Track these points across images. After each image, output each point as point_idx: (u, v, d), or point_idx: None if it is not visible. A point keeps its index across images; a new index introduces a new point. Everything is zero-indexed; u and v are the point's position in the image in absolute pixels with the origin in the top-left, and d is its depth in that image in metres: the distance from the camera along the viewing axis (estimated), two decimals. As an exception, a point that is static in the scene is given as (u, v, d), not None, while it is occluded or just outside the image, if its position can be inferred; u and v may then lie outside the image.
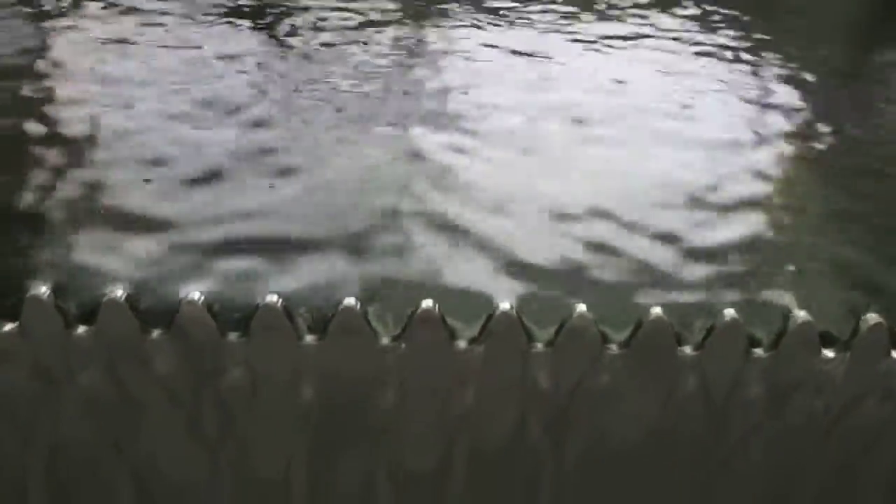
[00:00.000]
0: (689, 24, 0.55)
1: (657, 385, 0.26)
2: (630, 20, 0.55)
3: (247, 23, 0.49)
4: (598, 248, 0.30)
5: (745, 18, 0.56)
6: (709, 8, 0.57)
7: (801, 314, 0.26)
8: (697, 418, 0.27)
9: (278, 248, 0.28)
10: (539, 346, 0.26)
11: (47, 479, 0.27)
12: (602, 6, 0.57)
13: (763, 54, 0.51)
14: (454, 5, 0.54)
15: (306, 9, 0.51)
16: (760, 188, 0.36)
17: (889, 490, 0.28)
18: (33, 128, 0.36)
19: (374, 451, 0.27)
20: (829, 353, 0.26)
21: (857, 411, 0.27)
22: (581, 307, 0.25)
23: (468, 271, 0.28)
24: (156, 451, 0.27)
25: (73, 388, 0.26)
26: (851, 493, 0.28)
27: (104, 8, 0.49)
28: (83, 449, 0.27)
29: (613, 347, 0.26)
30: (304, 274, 0.27)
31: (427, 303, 0.25)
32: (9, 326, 0.25)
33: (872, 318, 0.26)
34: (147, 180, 0.32)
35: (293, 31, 0.48)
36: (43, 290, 0.25)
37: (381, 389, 0.26)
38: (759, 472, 0.27)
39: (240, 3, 0.52)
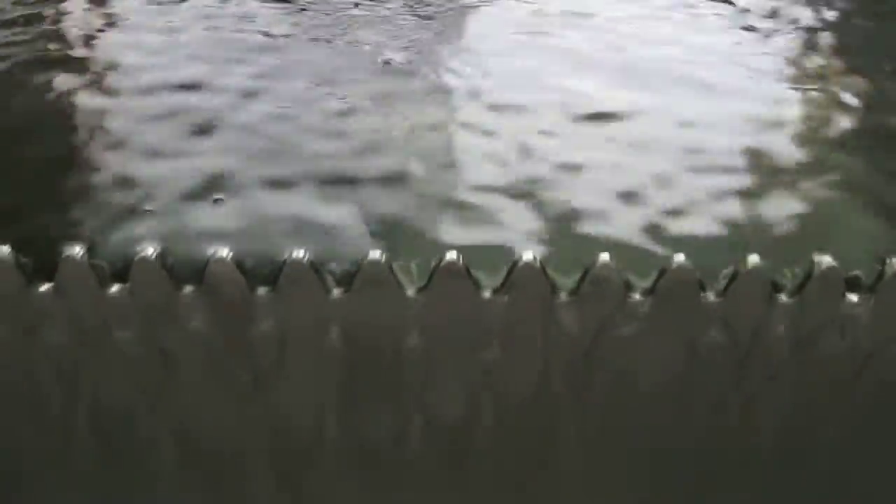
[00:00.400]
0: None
1: (680, 331, 0.26)
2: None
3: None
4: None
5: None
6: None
7: (825, 259, 0.26)
8: (720, 363, 0.27)
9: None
10: (563, 295, 0.26)
11: (90, 433, 0.28)
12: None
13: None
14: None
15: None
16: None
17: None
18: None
19: (402, 398, 0.28)
20: (853, 298, 0.26)
21: (884, 355, 0.27)
22: (604, 256, 0.26)
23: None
24: (190, 402, 0.28)
25: (110, 345, 0.27)
26: (874, 437, 0.28)
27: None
28: (122, 402, 0.28)
29: (637, 295, 0.26)
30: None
31: (451, 255, 0.26)
32: (45, 286, 0.26)
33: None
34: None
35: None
36: (77, 250, 0.26)
37: (408, 339, 0.27)
38: (781, 417, 0.28)
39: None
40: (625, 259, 0.26)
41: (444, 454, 0.29)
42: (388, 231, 0.28)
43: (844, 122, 0.36)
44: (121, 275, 0.26)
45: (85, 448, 0.28)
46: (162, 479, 0.30)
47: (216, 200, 0.29)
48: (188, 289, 0.26)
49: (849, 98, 0.38)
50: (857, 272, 0.26)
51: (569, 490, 0.29)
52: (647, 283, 0.26)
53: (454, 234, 0.28)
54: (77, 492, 0.30)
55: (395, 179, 0.31)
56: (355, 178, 0.31)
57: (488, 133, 0.34)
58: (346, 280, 0.26)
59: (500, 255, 0.26)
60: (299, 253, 0.26)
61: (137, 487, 0.30)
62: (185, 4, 0.45)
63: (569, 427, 0.28)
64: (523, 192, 0.30)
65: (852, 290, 0.26)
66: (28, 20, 0.43)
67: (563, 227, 0.28)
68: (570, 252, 0.27)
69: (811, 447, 0.28)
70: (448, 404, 0.28)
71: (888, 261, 0.26)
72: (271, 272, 0.26)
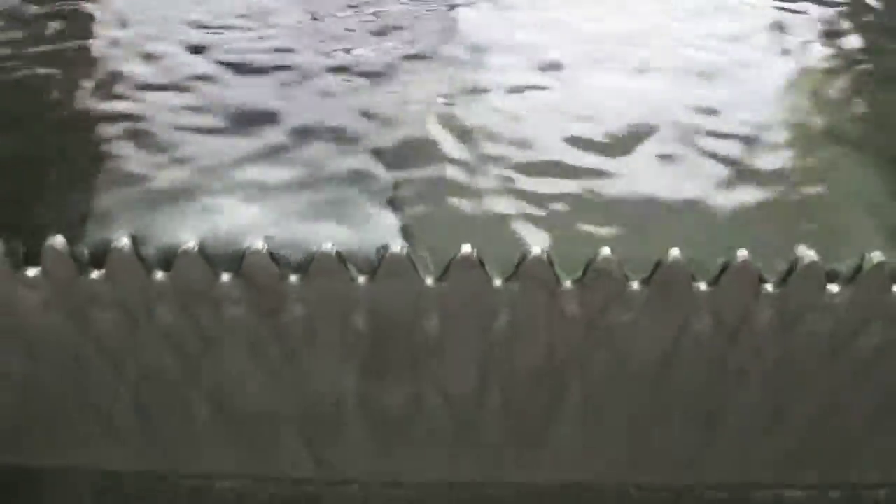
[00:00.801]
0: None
1: (673, 317, 0.29)
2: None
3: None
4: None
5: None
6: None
7: (809, 254, 0.28)
8: (709, 344, 0.29)
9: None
10: (567, 284, 0.28)
11: (135, 404, 0.31)
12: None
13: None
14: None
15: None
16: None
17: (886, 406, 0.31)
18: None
19: (420, 374, 0.31)
20: (833, 289, 0.29)
21: (859, 338, 0.29)
22: (606, 250, 0.28)
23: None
24: (226, 379, 0.31)
25: (154, 326, 0.29)
26: (846, 406, 0.31)
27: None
28: (165, 377, 0.30)
29: (635, 285, 0.28)
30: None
31: (466, 248, 0.28)
32: (96, 273, 0.29)
33: (876, 256, 0.28)
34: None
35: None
36: (125, 241, 0.28)
37: (425, 322, 0.29)
38: (765, 390, 0.30)
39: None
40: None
41: (455, 421, 0.32)
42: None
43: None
44: (165, 264, 0.28)
45: (131, 412, 0.31)
46: (200, 441, 0.33)
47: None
48: (226, 277, 0.28)
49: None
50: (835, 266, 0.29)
51: (569, 452, 0.32)
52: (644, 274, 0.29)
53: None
54: (123, 449, 0.33)
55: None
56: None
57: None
58: (369, 269, 0.29)
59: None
60: (327, 245, 0.28)
61: (179, 446, 0.33)
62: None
63: (572, 397, 0.31)
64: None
65: (832, 281, 0.29)
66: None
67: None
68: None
69: (790, 416, 0.31)
70: (461, 378, 0.31)
71: (866, 255, 0.28)
72: (302, 262, 0.28)
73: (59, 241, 0.28)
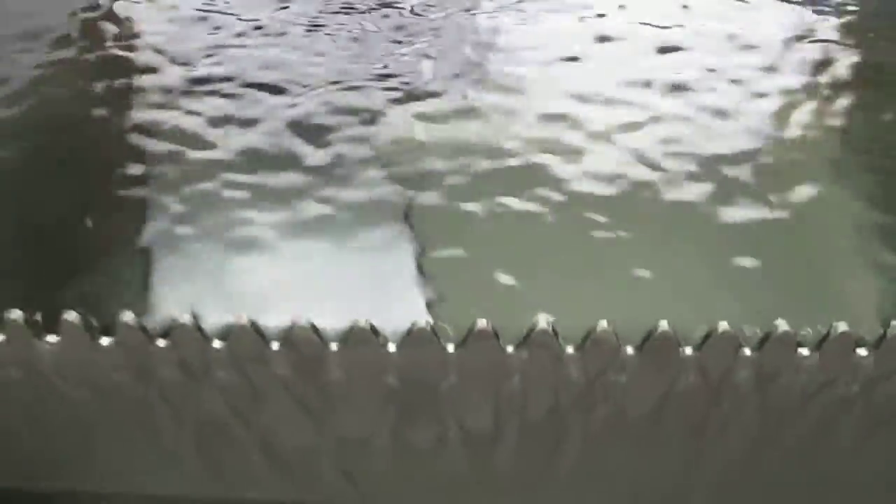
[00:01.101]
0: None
1: (662, 376, 0.33)
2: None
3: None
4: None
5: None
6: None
7: (782, 324, 0.32)
8: (695, 398, 0.34)
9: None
10: (570, 350, 0.33)
11: (196, 448, 0.36)
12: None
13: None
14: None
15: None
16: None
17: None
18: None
19: (443, 420, 0.35)
20: (804, 352, 0.33)
21: (824, 392, 0.34)
22: (603, 322, 0.32)
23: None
24: (275, 425, 0.35)
25: (211, 383, 0.34)
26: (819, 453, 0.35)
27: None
28: (221, 425, 0.35)
29: (629, 349, 0.33)
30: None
31: (482, 322, 0.32)
32: (161, 342, 0.33)
33: (841, 326, 0.32)
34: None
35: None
36: (186, 317, 0.33)
37: (447, 378, 0.34)
38: (743, 434, 0.35)
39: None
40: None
41: (471, 458, 0.37)
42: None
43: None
44: (222, 336, 0.33)
45: (192, 459, 0.36)
46: (250, 471, 0.38)
47: None
48: (275, 345, 0.33)
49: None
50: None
51: (570, 490, 0.37)
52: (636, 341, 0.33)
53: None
54: (182, 477, 0.38)
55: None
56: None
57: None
58: (398, 339, 0.33)
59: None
60: (361, 321, 0.32)
61: (233, 476, 0.38)
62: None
63: (574, 439, 0.36)
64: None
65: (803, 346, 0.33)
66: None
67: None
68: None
69: (765, 459, 0.36)
70: (477, 423, 0.35)
71: (833, 325, 0.32)
72: (341, 333, 0.33)
73: (129, 316, 0.32)
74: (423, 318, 0.33)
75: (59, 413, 0.36)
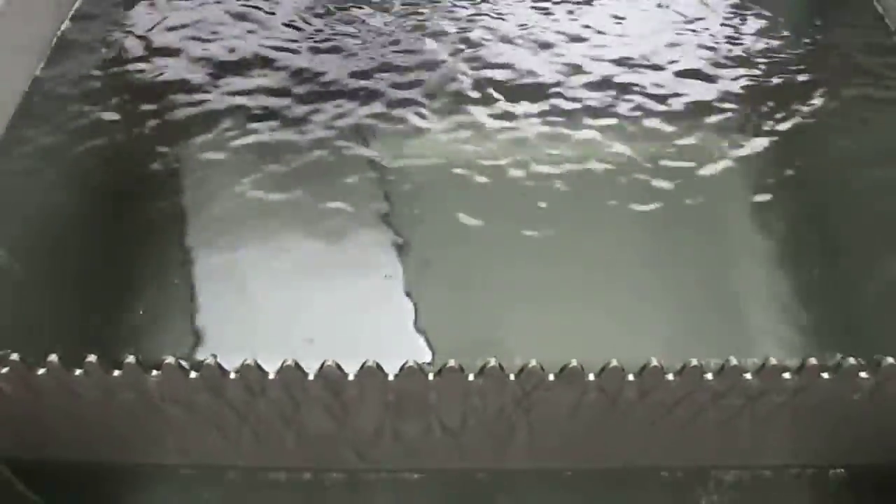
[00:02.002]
0: None
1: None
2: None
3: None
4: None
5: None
6: None
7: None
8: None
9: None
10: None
11: (253, 436, 0.52)
12: None
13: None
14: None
15: None
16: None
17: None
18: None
19: (426, 419, 0.51)
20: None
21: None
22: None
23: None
24: (307, 423, 0.51)
25: (267, 398, 0.49)
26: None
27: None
28: (271, 423, 0.51)
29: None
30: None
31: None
32: (233, 375, 0.48)
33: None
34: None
35: None
36: (249, 360, 0.47)
37: (429, 393, 0.49)
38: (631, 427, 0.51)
39: None
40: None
41: (447, 441, 0.53)
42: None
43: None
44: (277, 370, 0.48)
45: (248, 439, 0.52)
46: (285, 452, 0.54)
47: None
48: (311, 376, 0.48)
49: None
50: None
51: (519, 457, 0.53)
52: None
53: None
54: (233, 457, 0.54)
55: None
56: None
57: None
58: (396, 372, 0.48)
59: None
60: (372, 361, 0.47)
61: (279, 452, 0.54)
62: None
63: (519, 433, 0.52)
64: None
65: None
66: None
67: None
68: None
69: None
70: (450, 422, 0.51)
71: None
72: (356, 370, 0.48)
73: (211, 359, 0.47)
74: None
75: (157, 418, 0.51)
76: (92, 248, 0.61)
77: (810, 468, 0.55)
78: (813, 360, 0.47)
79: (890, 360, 0.47)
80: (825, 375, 0.48)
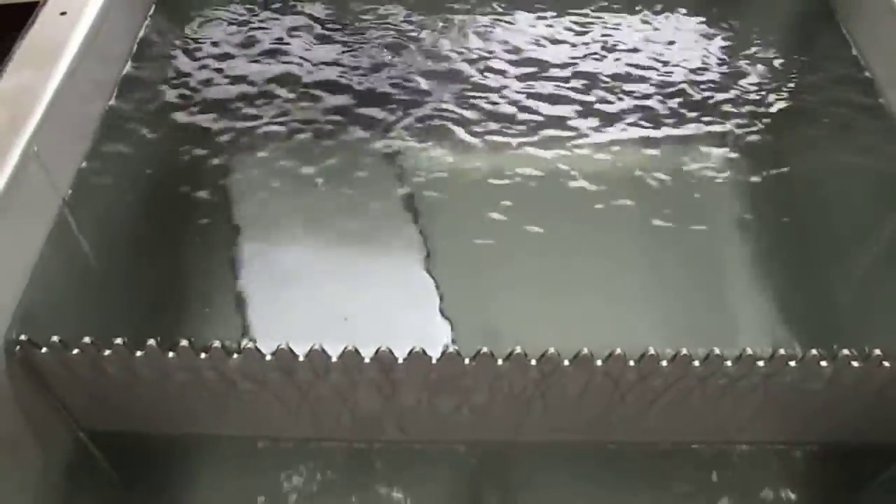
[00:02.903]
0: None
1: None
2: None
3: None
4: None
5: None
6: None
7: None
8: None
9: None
10: (533, 362, 0.58)
11: (310, 411, 0.61)
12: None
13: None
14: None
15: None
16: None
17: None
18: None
19: (460, 397, 0.61)
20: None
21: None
22: (552, 349, 0.57)
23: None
24: (362, 400, 0.61)
25: (328, 378, 0.59)
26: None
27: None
28: (329, 399, 0.60)
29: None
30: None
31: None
32: (302, 358, 0.58)
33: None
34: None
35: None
36: (317, 345, 0.57)
37: (464, 377, 0.59)
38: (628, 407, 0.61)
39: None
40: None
41: (474, 417, 0.62)
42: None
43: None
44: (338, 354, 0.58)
45: (304, 412, 0.61)
46: (339, 424, 0.63)
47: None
48: (367, 359, 0.58)
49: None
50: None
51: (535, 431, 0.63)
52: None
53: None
54: (291, 429, 0.64)
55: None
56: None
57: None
58: (438, 356, 0.58)
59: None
60: (417, 348, 0.57)
61: (328, 427, 0.63)
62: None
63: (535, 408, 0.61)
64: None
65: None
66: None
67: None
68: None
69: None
70: (479, 399, 0.61)
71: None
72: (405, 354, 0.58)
73: (285, 344, 0.57)
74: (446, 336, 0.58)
75: (228, 392, 0.60)
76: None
77: (780, 444, 0.66)
78: (782, 351, 0.57)
79: (845, 351, 0.57)
80: (792, 363, 0.57)
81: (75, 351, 0.57)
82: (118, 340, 0.56)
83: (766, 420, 0.63)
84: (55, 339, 0.56)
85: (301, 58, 0.84)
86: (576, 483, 0.64)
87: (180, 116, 0.78)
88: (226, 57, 0.84)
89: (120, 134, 0.75)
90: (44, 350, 0.57)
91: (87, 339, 0.56)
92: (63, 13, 0.72)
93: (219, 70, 0.83)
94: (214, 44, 0.86)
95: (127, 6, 0.82)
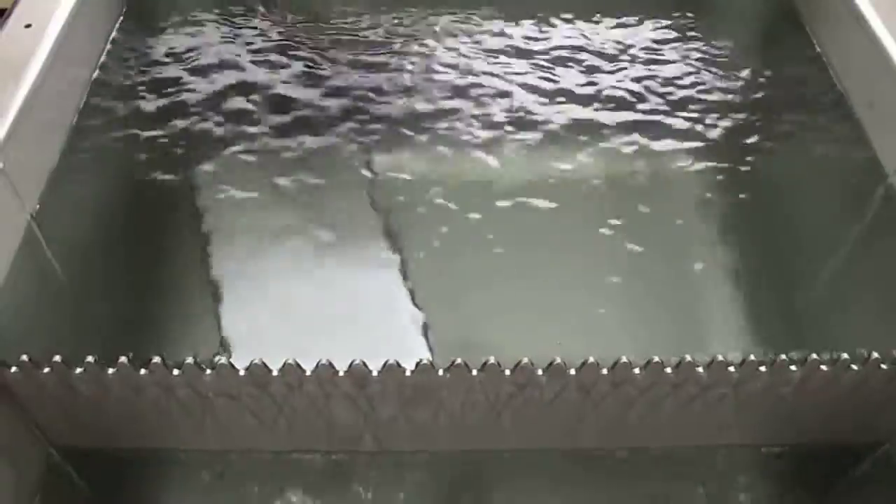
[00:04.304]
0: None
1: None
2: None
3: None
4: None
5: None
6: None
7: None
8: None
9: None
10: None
11: (286, 423, 0.61)
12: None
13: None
14: None
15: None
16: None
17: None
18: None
19: (433, 406, 0.61)
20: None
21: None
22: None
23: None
24: (336, 412, 0.61)
25: (301, 391, 0.59)
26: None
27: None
28: (304, 412, 0.60)
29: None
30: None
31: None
32: (276, 372, 0.57)
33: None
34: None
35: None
36: (308, 363, 0.57)
37: (439, 388, 0.59)
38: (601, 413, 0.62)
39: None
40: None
41: (449, 423, 0.63)
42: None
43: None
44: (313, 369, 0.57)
45: (280, 425, 0.61)
46: (314, 435, 0.63)
47: None
48: (341, 373, 0.58)
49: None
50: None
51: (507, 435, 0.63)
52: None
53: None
54: (267, 441, 0.64)
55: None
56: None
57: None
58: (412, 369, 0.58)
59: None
60: (391, 360, 0.57)
61: (296, 434, 0.63)
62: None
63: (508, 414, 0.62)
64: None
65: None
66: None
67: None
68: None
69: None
70: (454, 408, 0.61)
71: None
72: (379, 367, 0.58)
73: (259, 360, 0.57)
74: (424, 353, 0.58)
75: (203, 407, 0.60)
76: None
77: (753, 446, 0.66)
78: (752, 357, 0.58)
79: (814, 356, 0.58)
80: (762, 369, 0.58)
81: (46, 370, 0.56)
82: (89, 358, 0.56)
83: (739, 424, 0.64)
84: (24, 357, 0.56)
85: (269, 68, 0.84)
86: (552, 490, 0.65)
87: (149, 129, 0.78)
88: (195, 65, 0.83)
89: (88, 147, 0.74)
90: (13, 370, 0.56)
91: (57, 358, 0.56)
92: (28, 25, 0.71)
93: (188, 79, 0.82)
94: (184, 52, 0.85)
95: (93, 17, 0.81)
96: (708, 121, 0.81)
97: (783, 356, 0.58)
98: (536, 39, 0.87)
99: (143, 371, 0.57)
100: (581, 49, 0.86)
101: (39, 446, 0.64)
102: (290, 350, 0.57)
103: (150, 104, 0.79)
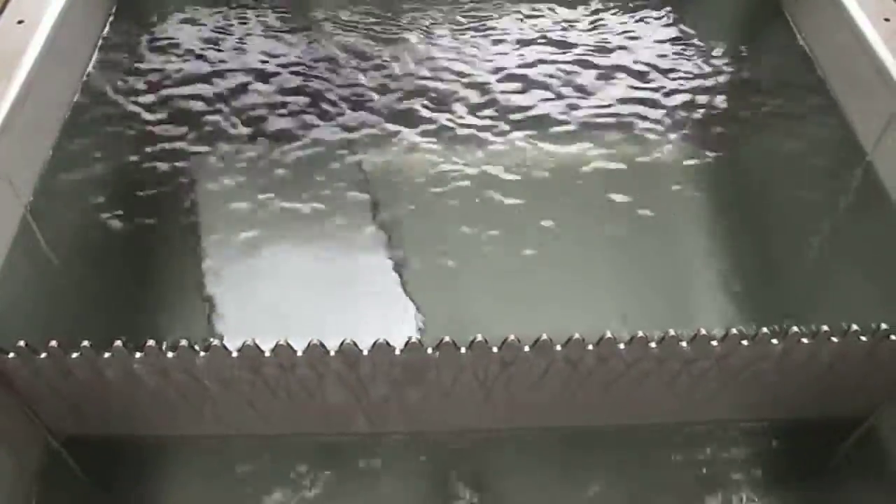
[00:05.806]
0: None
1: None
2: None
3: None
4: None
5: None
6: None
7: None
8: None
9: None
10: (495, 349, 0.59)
11: (282, 408, 0.62)
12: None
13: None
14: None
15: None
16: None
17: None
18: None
19: (425, 386, 0.62)
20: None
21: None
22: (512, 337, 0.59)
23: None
24: (329, 394, 0.62)
25: (293, 373, 0.60)
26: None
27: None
28: (299, 393, 0.61)
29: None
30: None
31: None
32: (268, 353, 0.58)
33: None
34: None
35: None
36: (299, 341, 0.58)
37: (429, 368, 0.60)
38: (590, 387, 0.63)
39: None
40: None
41: (441, 402, 0.64)
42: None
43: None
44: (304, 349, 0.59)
45: (276, 410, 0.62)
46: (308, 418, 0.64)
47: None
48: (332, 352, 0.59)
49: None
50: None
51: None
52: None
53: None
54: (263, 426, 0.65)
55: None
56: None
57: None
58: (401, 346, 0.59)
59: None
60: (380, 339, 0.58)
61: (294, 418, 0.64)
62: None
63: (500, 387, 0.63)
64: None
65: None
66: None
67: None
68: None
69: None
70: (442, 387, 0.62)
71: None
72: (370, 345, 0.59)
73: (251, 341, 0.58)
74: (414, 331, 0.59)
75: (199, 392, 0.61)
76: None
77: (738, 421, 0.68)
78: (734, 330, 0.59)
79: (795, 328, 0.59)
80: (744, 342, 0.59)
81: (43, 355, 0.57)
82: (85, 343, 0.57)
83: (725, 400, 0.65)
84: (21, 343, 0.57)
85: (262, 59, 0.85)
86: (544, 468, 0.66)
87: (142, 121, 0.79)
88: (188, 59, 0.85)
89: (81, 140, 0.75)
90: (11, 355, 0.57)
91: (53, 343, 0.57)
92: (20, 21, 0.72)
93: (181, 73, 0.83)
94: (176, 46, 0.86)
95: (86, 12, 0.82)
96: (690, 104, 0.83)
97: (765, 329, 0.59)
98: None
99: (137, 354, 0.58)
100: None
101: (38, 434, 0.65)
102: (282, 336, 0.58)
103: (141, 98, 0.81)
